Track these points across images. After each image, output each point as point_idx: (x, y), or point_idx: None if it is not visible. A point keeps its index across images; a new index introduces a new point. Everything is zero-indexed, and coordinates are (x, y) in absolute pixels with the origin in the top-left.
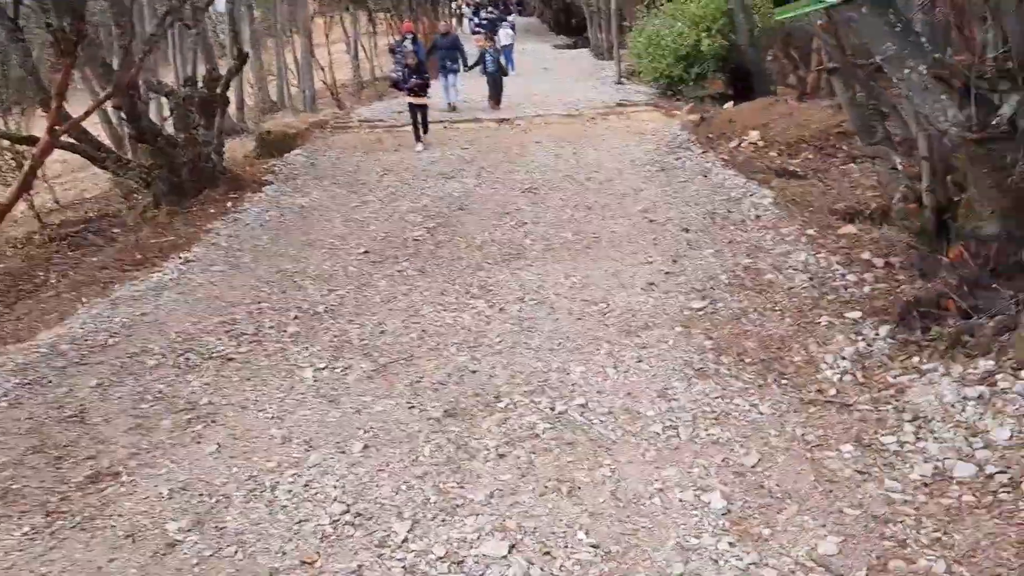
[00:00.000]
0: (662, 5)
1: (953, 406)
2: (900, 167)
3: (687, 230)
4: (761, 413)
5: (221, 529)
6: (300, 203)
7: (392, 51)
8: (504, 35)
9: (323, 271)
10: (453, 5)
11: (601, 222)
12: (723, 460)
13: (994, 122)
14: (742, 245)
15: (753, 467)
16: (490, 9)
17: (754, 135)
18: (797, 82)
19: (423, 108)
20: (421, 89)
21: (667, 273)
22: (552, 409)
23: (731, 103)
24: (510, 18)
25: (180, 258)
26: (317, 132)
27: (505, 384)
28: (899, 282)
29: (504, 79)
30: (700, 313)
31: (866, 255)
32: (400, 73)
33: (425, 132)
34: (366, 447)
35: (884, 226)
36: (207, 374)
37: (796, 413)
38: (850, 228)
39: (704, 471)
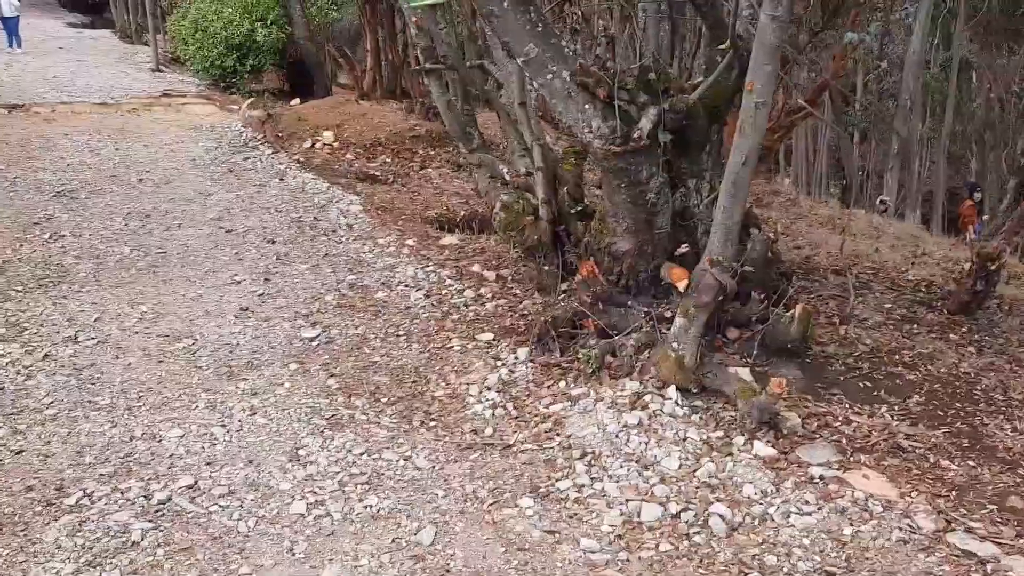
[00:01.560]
0: None
1: (617, 436)
2: (506, 175)
3: (273, 241)
4: (419, 468)
5: None
6: None
7: None
8: (7, 5)
9: None
10: None
11: (166, 233)
12: (393, 542)
13: (635, 135)
14: (340, 259)
15: (431, 546)
16: None
17: (328, 136)
18: (353, 81)
19: None
20: None
21: (261, 295)
22: (148, 498)
23: (297, 100)
24: None
25: None
26: None
27: (70, 466)
28: (517, 297)
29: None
30: (314, 343)
31: (476, 267)
32: None
33: None
34: None
35: (485, 236)
36: None
37: (457, 463)
38: (451, 239)
39: (377, 564)
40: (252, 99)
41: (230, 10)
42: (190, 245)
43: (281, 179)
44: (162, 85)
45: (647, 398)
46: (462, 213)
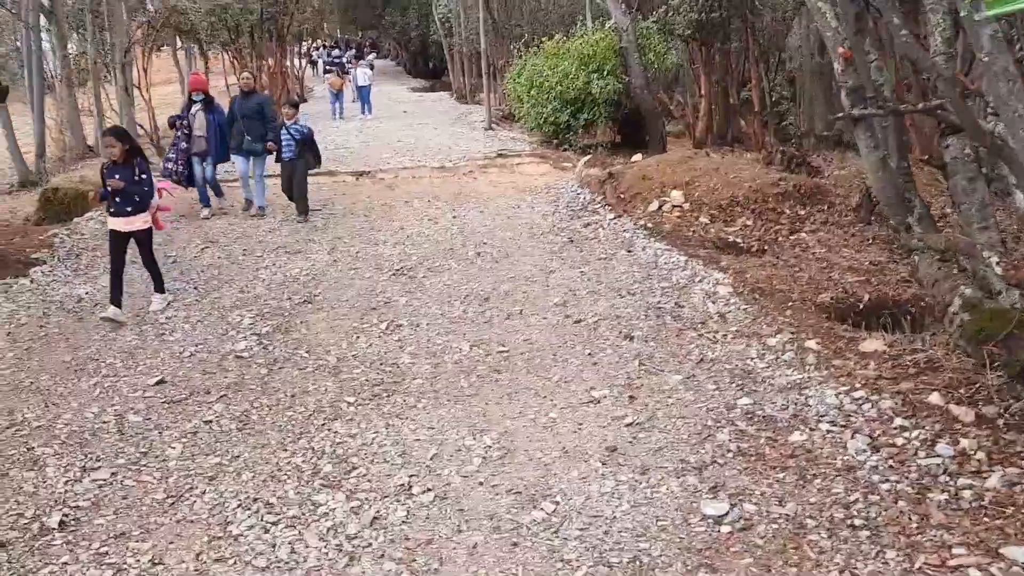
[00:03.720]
0: (541, 44)
1: None
2: (992, 265)
3: (631, 337)
4: None
5: None
6: (79, 293)
7: (173, 125)
8: (362, 75)
9: (83, 425)
10: (306, 46)
11: (507, 323)
12: None
13: None
14: (721, 367)
15: None
16: (338, 51)
17: (677, 196)
18: (685, 129)
19: (142, 238)
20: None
21: (630, 425)
22: None
23: (639, 156)
24: (369, 57)
25: None
26: None
27: None
28: (1019, 453)
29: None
30: (723, 529)
31: (935, 398)
32: (175, 164)
33: (159, 290)
34: None
35: (925, 339)
36: None
37: None
38: (874, 342)
39: None
40: (588, 156)
41: (567, 64)
42: (534, 341)
43: (629, 250)
44: (495, 144)
45: None
46: (866, 296)
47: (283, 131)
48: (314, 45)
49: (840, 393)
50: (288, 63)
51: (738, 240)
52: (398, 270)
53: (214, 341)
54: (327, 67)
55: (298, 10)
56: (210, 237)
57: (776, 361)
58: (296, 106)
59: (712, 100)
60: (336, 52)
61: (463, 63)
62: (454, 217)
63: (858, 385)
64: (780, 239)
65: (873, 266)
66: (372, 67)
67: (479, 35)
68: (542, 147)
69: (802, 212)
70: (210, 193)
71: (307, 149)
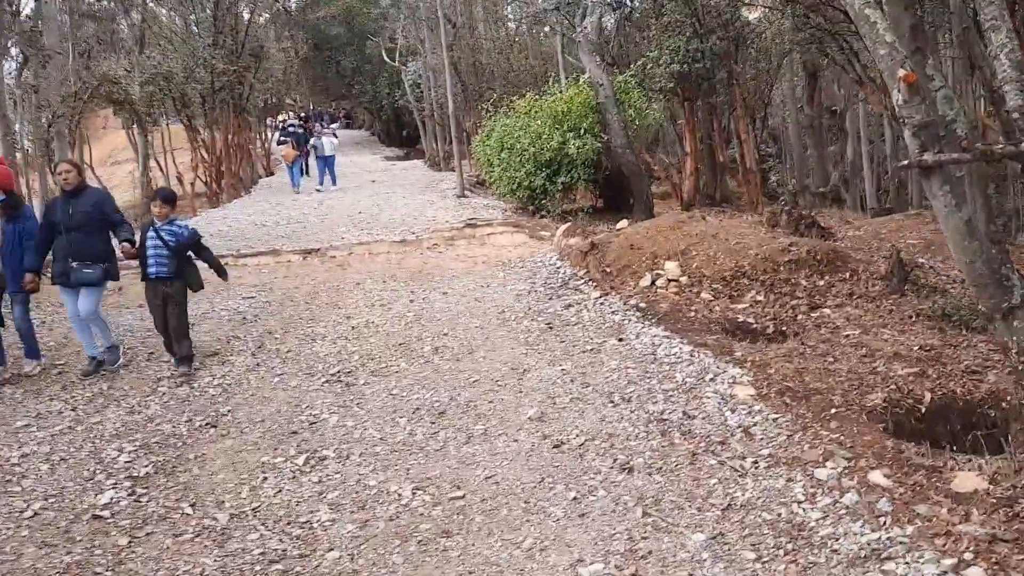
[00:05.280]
0: (512, 103)
1: None
2: None
3: (629, 468)
4: None
5: None
6: None
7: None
8: (328, 144)
9: None
10: (282, 118)
11: (465, 450)
12: None
13: None
14: (758, 518)
15: None
16: (299, 120)
17: (672, 268)
18: (671, 190)
19: None
20: None
21: None
22: None
23: (624, 222)
24: (333, 126)
25: None
26: None
27: None
28: None
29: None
30: None
31: None
32: None
33: None
34: None
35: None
36: None
37: None
38: (971, 479)
39: None
40: (567, 224)
41: (538, 123)
42: (500, 479)
43: (620, 338)
44: (466, 212)
45: None
46: (927, 396)
47: (150, 235)
48: (282, 117)
49: (945, 574)
50: (251, 135)
51: (750, 320)
52: (334, 375)
53: (72, 491)
54: (280, 139)
55: (258, 80)
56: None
57: (834, 508)
58: (171, 201)
59: (698, 158)
60: (291, 122)
61: (435, 129)
62: (411, 301)
63: (967, 554)
64: (800, 317)
65: (925, 352)
66: (336, 135)
67: (448, 98)
68: (517, 215)
69: (821, 283)
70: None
71: (187, 263)
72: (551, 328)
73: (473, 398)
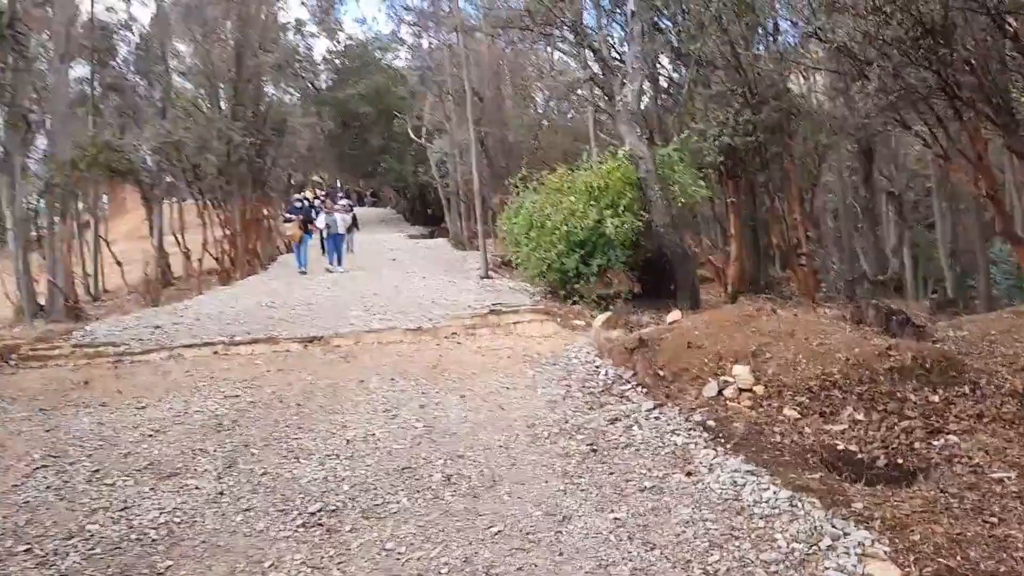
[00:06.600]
0: (540, 178)
1: None
2: None
3: None
4: None
5: None
6: None
7: None
8: (340, 221)
9: None
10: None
11: None
12: None
13: None
14: None
15: None
16: (305, 197)
17: (743, 373)
18: (715, 275)
19: None
20: None
21: None
22: None
23: (677, 313)
24: (343, 201)
25: None
26: None
27: None
28: None
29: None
30: None
31: None
32: None
33: None
34: None
35: None
36: None
37: None
38: None
39: None
40: (607, 314)
41: (572, 199)
42: None
43: (687, 472)
44: (490, 296)
45: None
46: None
47: None
48: (296, 196)
49: None
50: (272, 211)
51: (852, 448)
52: (313, 514)
53: None
54: (285, 216)
55: (280, 154)
56: (56, 447)
57: None
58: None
59: (743, 241)
60: (297, 198)
61: (459, 207)
62: (421, 407)
63: None
64: (917, 445)
65: None
66: (351, 210)
67: (473, 174)
68: (546, 300)
69: (935, 399)
70: None
71: None
72: (595, 452)
73: (495, 560)
